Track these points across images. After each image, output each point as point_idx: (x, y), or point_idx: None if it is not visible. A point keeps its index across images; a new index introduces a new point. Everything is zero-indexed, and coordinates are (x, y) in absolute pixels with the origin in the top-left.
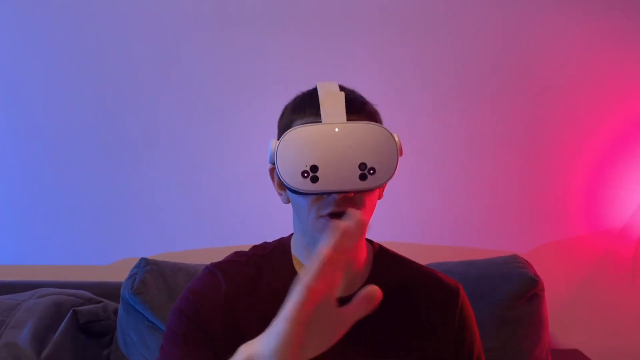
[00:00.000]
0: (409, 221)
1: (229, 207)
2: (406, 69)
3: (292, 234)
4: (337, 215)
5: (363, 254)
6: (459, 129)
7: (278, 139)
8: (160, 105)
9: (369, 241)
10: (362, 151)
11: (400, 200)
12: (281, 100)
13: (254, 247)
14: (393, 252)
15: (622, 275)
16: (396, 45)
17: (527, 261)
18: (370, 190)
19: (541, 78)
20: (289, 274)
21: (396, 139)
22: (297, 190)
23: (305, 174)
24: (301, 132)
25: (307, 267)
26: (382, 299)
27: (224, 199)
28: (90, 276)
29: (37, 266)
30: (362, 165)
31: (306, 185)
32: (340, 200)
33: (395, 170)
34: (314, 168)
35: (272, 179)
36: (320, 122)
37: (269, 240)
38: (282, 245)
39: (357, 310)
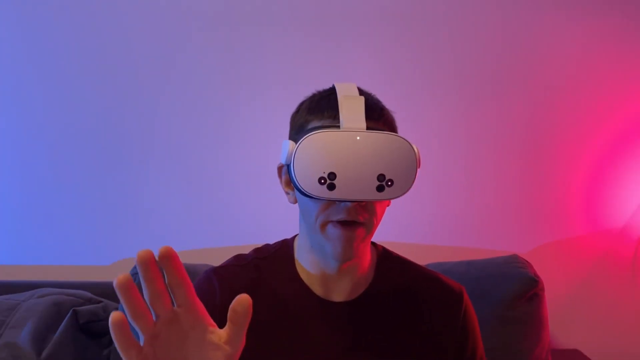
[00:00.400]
0: (409, 221)
1: (229, 207)
2: (406, 68)
3: (296, 235)
4: (347, 223)
5: (367, 259)
6: (459, 129)
7: (290, 138)
8: (160, 106)
9: (373, 244)
10: (382, 162)
11: (400, 201)
12: (281, 100)
13: (255, 250)
14: (397, 254)
15: (622, 275)
16: (396, 45)
17: (527, 261)
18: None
19: (541, 78)
20: (291, 279)
21: (416, 151)
22: (312, 195)
23: (322, 181)
24: (321, 138)
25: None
26: (385, 303)
27: (224, 199)
28: (90, 276)
29: (37, 266)
30: (381, 177)
31: (322, 191)
32: (352, 208)
33: (412, 184)
34: (332, 175)
35: (280, 176)
36: (339, 126)
37: (270, 241)
38: (284, 248)
39: (234, 331)
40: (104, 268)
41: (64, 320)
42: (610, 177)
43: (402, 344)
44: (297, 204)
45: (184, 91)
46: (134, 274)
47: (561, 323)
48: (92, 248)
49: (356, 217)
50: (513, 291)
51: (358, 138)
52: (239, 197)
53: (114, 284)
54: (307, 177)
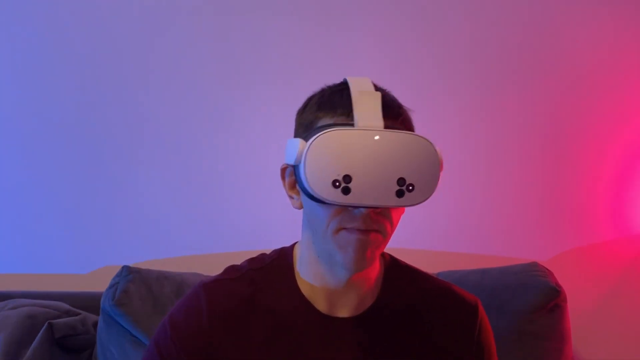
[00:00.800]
0: (420, 226)
1: (218, 211)
2: (417, 58)
3: (295, 243)
4: (362, 232)
5: (375, 269)
6: (474, 125)
7: (297, 136)
8: (145, 101)
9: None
10: (402, 165)
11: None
12: (280, 97)
13: (250, 260)
14: (405, 263)
15: None
16: (406, 32)
17: (547, 269)
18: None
19: (566, 68)
20: (291, 293)
21: (439, 153)
22: (324, 200)
23: (337, 184)
24: (335, 136)
25: None
26: (394, 317)
27: (213, 202)
28: (68, 286)
29: (8, 275)
30: (401, 181)
31: (336, 196)
32: (367, 215)
33: (434, 189)
34: (347, 178)
35: (283, 178)
36: (352, 124)
37: (265, 247)
38: (282, 258)
39: None
40: (83, 277)
41: (39, 335)
42: (639, 178)
43: None
44: (302, 209)
45: (172, 86)
46: (115, 283)
47: (585, 337)
48: (69, 255)
49: (371, 226)
50: (532, 302)
51: (377, 138)
52: (231, 201)
53: None
54: (319, 179)
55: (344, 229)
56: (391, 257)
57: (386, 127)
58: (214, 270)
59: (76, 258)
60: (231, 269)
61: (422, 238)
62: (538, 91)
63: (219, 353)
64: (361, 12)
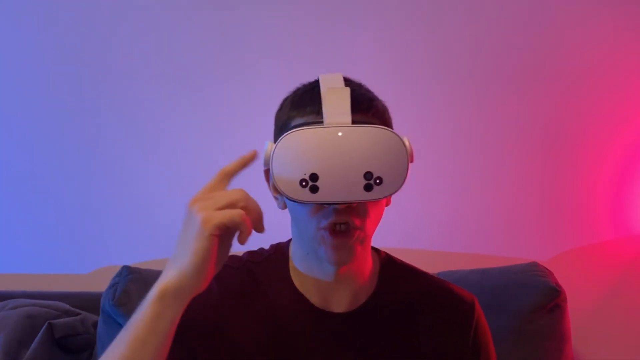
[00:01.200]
0: (418, 226)
1: None
2: (416, 57)
3: (291, 239)
4: (338, 225)
5: (368, 266)
6: (474, 124)
7: (275, 138)
8: (143, 98)
9: (375, 250)
10: (368, 159)
11: (408, 203)
12: (278, 93)
13: (249, 253)
14: (401, 261)
15: None
16: (404, 29)
17: (547, 269)
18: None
19: (565, 69)
20: (286, 287)
21: (407, 144)
22: (294, 200)
23: (304, 183)
24: (300, 136)
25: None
26: (389, 314)
27: None
28: (67, 286)
29: (8, 275)
30: (368, 175)
31: (305, 195)
32: (341, 209)
33: (404, 180)
34: (314, 177)
35: (267, 180)
36: (322, 121)
37: (264, 245)
38: (279, 253)
39: None
40: (82, 277)
41: (38, 335)
42: (639, 177)
43: (407, 359)
44: (286, 209)
45: (169, 81)
46: (115, 283)
47: (585, 337)
48: (69, 255)
49: (348, 219)
50: (532, 302)
51: (340, 134)
52: None
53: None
54: (287, 179)
55: (321, 227)
56: (387, 254)
57: (355, 121)
58: None
59: (76, 258)
60: (232, 257)
61: (422, 238)
62: (538, 91)
63: (223, 329)
64: (362, 9)
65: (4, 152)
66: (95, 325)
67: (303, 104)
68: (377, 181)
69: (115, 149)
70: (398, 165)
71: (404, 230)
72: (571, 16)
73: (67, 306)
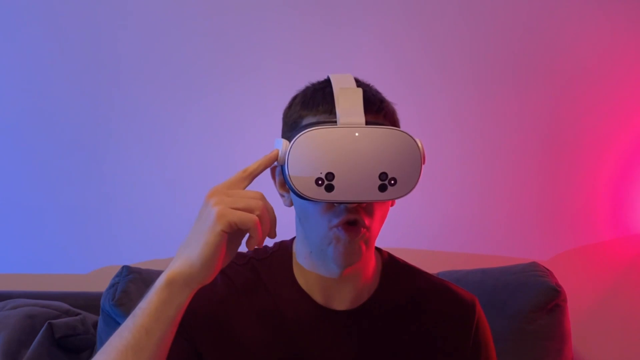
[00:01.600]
0: (418, 226)
1: None
2: (417, 56)
3: (294, 237)
4: (350, 224)
5: (371, 265)
6: (474, 123)
7: (283, 136)
8: (143, 100)
9: (378, 250)
10: (384, 160)
11: (408, 203)
12: (281, 93)
13: (254, 250)
14: (404, 261)
15: None
16: (406, 29)
17: (547, 269)
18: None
19: (564, 68)
20: (290, 285)
21: (420, 146)
22: (309, 198)
23: (320, 182)
24: (316, 135)
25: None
26: (390, 313)
27: None
28: (67, 286)
29: (8, 275)
30: (383, 175)
31: (320, 193)
32: (353, 211)
33: (417, 182)
34: (330, 176)
35: (274, 178)
36: (335, 121)
37: (268, 242)
38: (282, 250)
39: None
40: (82, 277)
41: (39, 335)
42: (638, 178)
43: (407, 358)
44: (292, 207)
45: (169, 84)
46: (115, 283)
47: (585, 337)
48: (69, 255)
49: (358, 217)
50: (532, 302)
51: (357, 134)
52: None
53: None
54: (303, 178)
55: (333, 225)
56: (389, 254)
57: (368, 122)
58: None
59: (76, 258)
60: (238, 255)
61: (423, 237)
62: (537, 91)
63: (231, 323)
64: (363, 10)
65: (5, 152)
66: (95, 325)
67: (315, 103)
68: (392, 182)
69: (116, 151)
70: (412, 167)
71: (405, 230)
72: (569, 19)
73: (67, 306)
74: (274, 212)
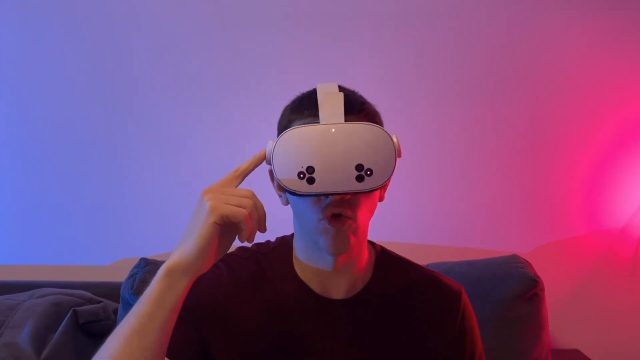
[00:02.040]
0: (408, 221)
1: None
2: (406, 67)
3: (294, 233)
4: (335, 216)
5: (364, 257)
6: (459, 128)
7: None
8: (158, 101)
9: (371, 243)
10: (359, 152)
11: (399, 200)
12: (284, 101)
13: (257, 244)
14: (396, 254)
15: (622, 275)
16: (396, 43)
17: (527, 261)
18: (367, 192)
19: (542, 77)
20: (290, 276)
21: (394, 140)
22: (293, 191)
23: (302, 175)
24: (297, 133)
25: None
26: (383, 301)
27: None
28: (90, 276)
29: (36, 266)
30: (359, 167)
31: (302, 186)
32: (337, 201)
33: (392, 172)
34: (310, 169)
35: (272, 180)
36: (319, 123)
37: (270, 238)
38: (283, 244)
39: None
40: (104, 268)
41: (64, 321)
42: (611, 176)
43: (399, 343)
44: (289, 205)
45: (181, 88)
46: (134, 273)
47: (561, 323)
48: (91, 248)
49: (341, 210)
50: (513, 291)
51: (333, 130)
52: None
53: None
54: (287, 173)
55: (320, 218)
56: (382, 247)
57: (347, 121)
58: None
59: (98, 251)
60: (241, 249)
61: (412, 231)
62: (519, 96)
63: (235, 313)
64: (358, 27)
65: (34, 157)
66: (115, 312)
67: (302, 109)
68: (368, 172)
69: (134, 155)
70: (386, 159)
71: (395, 224)
72: (549, 32)
73: (90, 294)
74: (263, 209)
